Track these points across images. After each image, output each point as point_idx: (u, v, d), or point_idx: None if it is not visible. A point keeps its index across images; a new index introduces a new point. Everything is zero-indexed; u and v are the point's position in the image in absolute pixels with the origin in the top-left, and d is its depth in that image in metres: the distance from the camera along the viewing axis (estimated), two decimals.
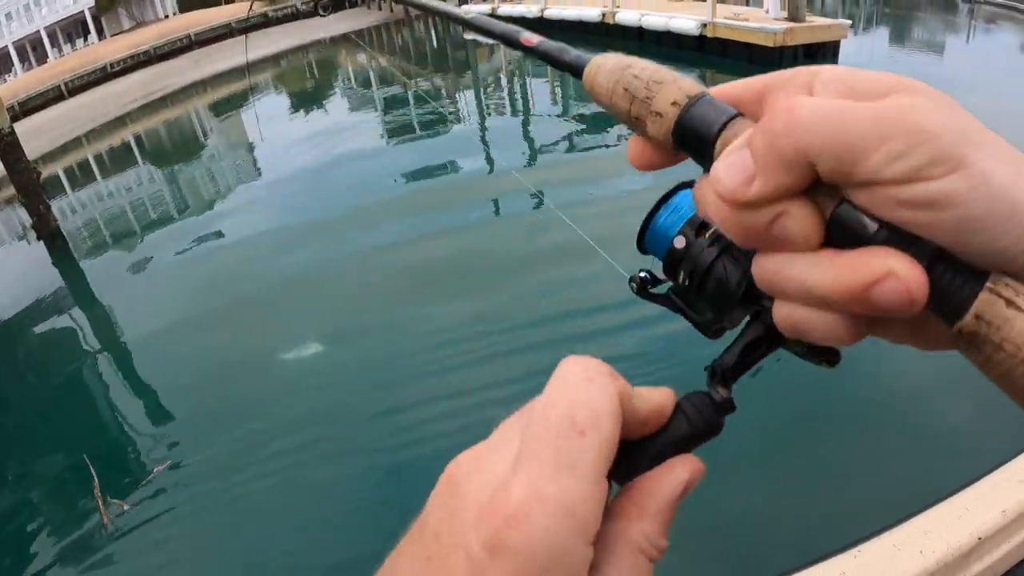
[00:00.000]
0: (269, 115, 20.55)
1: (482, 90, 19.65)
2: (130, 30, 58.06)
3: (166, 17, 60.99)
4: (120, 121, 26.57)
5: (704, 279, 0.50)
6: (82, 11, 59.53)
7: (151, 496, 5.15)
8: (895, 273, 0.34)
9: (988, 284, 0.35)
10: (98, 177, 18.74)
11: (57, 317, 9.06)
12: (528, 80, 19.67)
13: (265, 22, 53.68)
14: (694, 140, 0.43)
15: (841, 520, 3.66)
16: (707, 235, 0.50)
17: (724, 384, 0.47)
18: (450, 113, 16.45)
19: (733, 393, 0.47)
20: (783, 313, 0.40)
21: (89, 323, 8.89)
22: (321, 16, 50.12)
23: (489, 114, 15.63)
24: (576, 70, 0.53)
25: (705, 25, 18.46)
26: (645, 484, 0.42)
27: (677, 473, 0.42)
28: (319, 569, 4.31)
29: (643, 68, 0.47)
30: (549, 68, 18.41)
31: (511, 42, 0.66)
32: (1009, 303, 0.34)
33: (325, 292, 7.68)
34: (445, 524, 0.38)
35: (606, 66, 0.49)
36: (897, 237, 0.36)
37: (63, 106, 36.87)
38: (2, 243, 14.33)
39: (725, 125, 0.42)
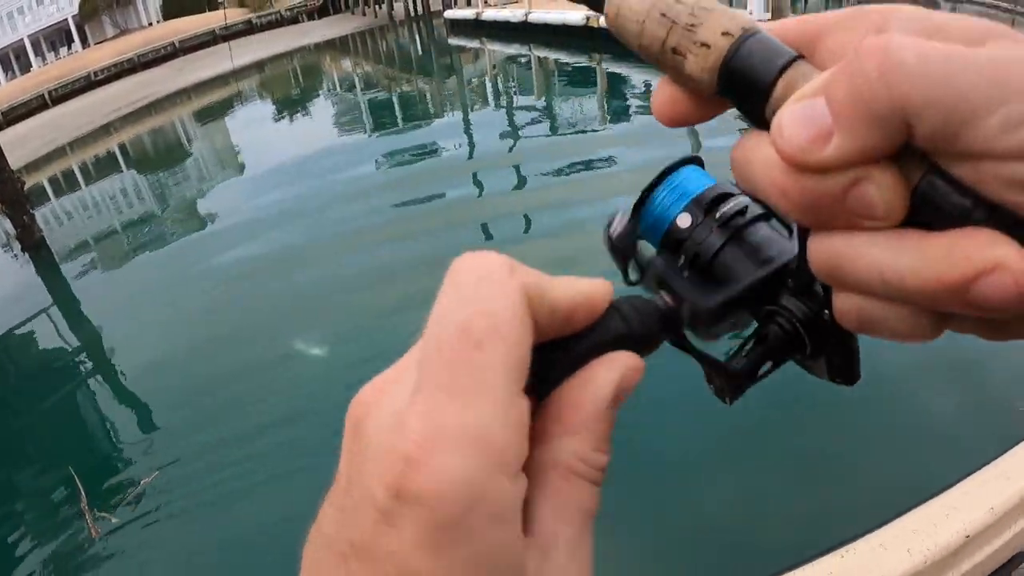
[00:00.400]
0: (254, 121, 20.54)
1: (468, 93, 19.62)
2: (114, 38, 57.88)
3: (150, 25, 60.75)
4: (105, 130, 26.46)
5: (708, 266, 0.43)
6: (65, 19, 59.30)
7: (139, 508, 5.10)
8: (1005, 265, 0.27)
9: None
10: (83, 186, 18.65)
11: (42, 329, 9.02)
12: (513, 83, 19.68)
13: (249, 29, 53.59)
14: (746, 83, 0.35)
15: (827, 521, 3.66)
16: (718, 214, 0.43)
17: (673, 295, 0.41)
18: (436, 116, 16.45)
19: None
20: (847, 305, 0.33)
21: (74, 334, 8.84)
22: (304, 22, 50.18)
23: (472, 126, 15.59)
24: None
25: None
26: (568, 393, 0.35)
27: (602, 374, 0.36)
28: None
29: None
30: (535, 69, 18.52)
31: None
32: None
33: (316, 297, 7.65)
34: (353, 470, 0.33)
35: None
36: (1003, 219, 0.28)
37: (47, 115, 36.73)
38: None
39: (787, 67, 0.34)
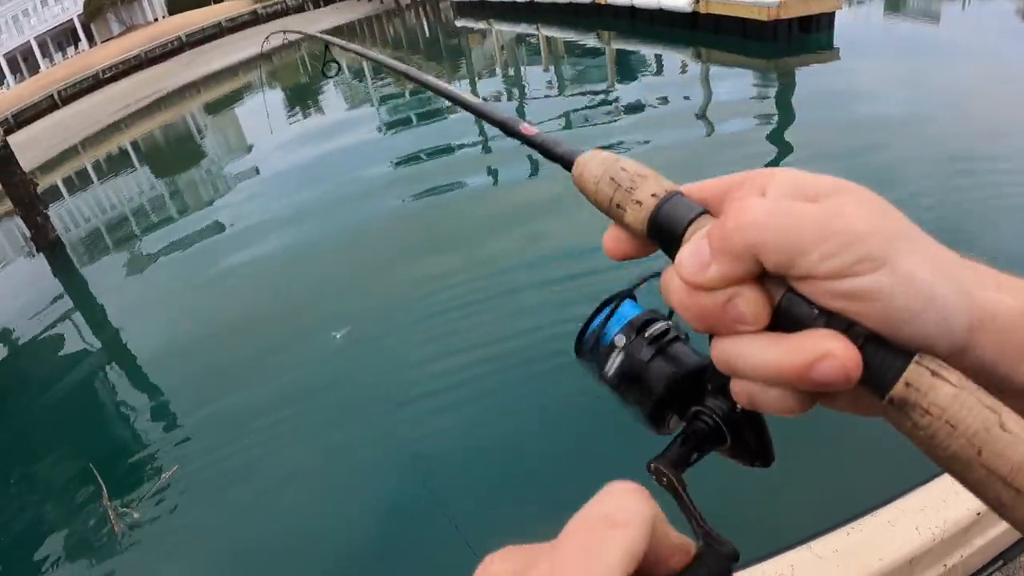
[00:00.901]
0: (264, 112, 20.47)
1: (476, 74, 19.50)
2: (120, 35, 58.00)
3: (155, 20, 60.86)
4: (115, 127, 26.52)
5: (639, 375, 0.57)
6: (71, 19, 59.46)
7: (161, 503, 5.10)
8: (832, 353, 0.40)
9: (915, 359, 0.39)
10: (97, 184, 18.67)
11: (60, 326, 9.01)
12: (522, 65, 19.57)
13: (255, 19, 53.51)
14: (666, 231, 0.49)
15: (834, 498, 3.66)
16: (647, 334, 0.58)
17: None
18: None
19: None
20: (739, 388, 0.46)
21: (93, 331, 8.84)
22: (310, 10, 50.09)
23: (484, 98, 15.47)
24: (567, 161, 0.59)
25: (698, 2, 18.27)
26: None
27: None
28: (334, 573, 4.26)
29: (630, 164, 0.53)
30: (543, 50, 18.42)
31: (510, 131, 0.70)
32: (934, 373, 0.39)
33: (334, 287, 7.59)
34: None
35: (599, 156, 0.55)
36: (835, 322, 0.41)
37: (58, 115, 36.93)
38: (2, 256, 14.24)
39: (693, 220, 0.48)
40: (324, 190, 10.97)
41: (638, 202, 0.50)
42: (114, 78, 43.76)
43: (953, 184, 8.16)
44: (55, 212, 13.61)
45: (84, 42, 59.91)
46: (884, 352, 0.40)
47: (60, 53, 59.65)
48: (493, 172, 10.34)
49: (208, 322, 7.61)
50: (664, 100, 12.62)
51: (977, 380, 0.39)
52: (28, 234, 11.53)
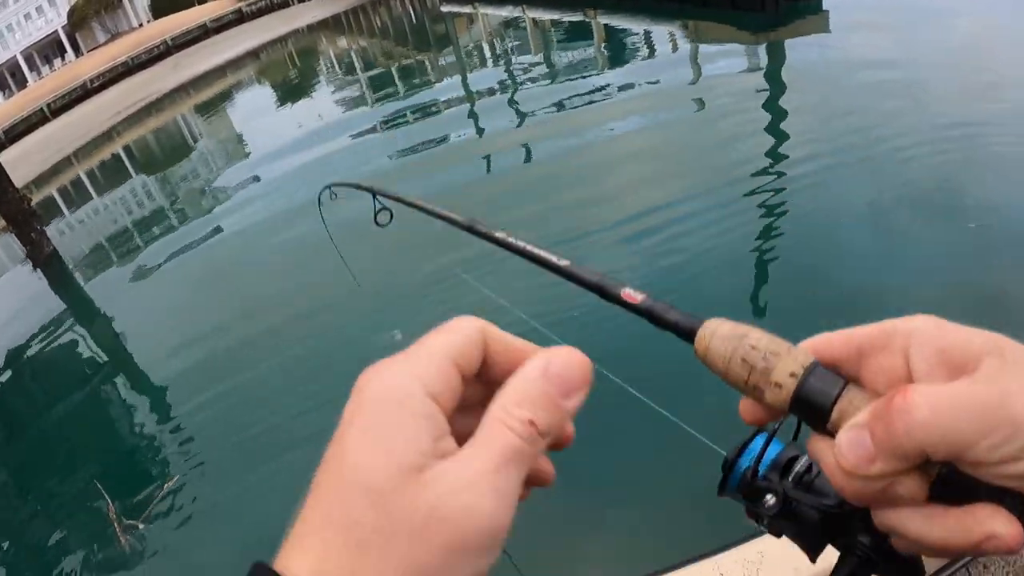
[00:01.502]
0: (256, 111, 20.37)
1: (465, 59, 19.31)
2: (106, 43, 57.76)
3: (140, 26, 60.59)
4: (107, 136, 26.38)
5: (794, 511, 0.60)
6: (56, 30, 59.32)
7: (166, 517, 5.10)
8: (998, 534, 0.42)
9: None
10: (92, 195, 18.59)
11: (60, 341, 8.92)
12: (511, 51, 19.42)
13: (240, 18, 53.25)
14: (811, 409, 0.49)
15: None
16: (794, 472, 0.61)
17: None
18: (437, 86, 16.19)
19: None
20: (900, 544, 0.49)
21: (94, 345, 8.77)
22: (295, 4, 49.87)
23: (475, 91, 15.31)
24: (685, 332, 0.56)
25: None
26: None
27: (533, 358, 0.48)
28: None
29: (758, 339, 0.51)
30: (530, 33, 18.23)
31: (610, 296, 0.65)
32: None
33: (338, 295, 7.44)
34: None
35: (720, 332, 0.52)
36: (994, 493, 0.42)
37: (49, 127, 36.75)
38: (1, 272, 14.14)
39: (839, 396, 0.48)
40: (318, 180, 10.83)
41: (778, 384, 0.49)
42: (103, 87, 43.49)
43: (950, 144, 8.15)
44: (51, 225, 13.50)
45: (70, 52, 59.76)
46: None
47: (47, 65, 59.55)
48: (487, 159, 10.22)
49: (211, 328, 7.50)
50: (655, 80, 12.53)
51: None
52: (24, 251, 11.41)
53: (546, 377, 0.47)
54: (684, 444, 4.47)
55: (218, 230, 10.84)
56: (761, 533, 2.19)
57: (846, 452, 0.45)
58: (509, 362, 0.50)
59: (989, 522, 0.42)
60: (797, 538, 0.62)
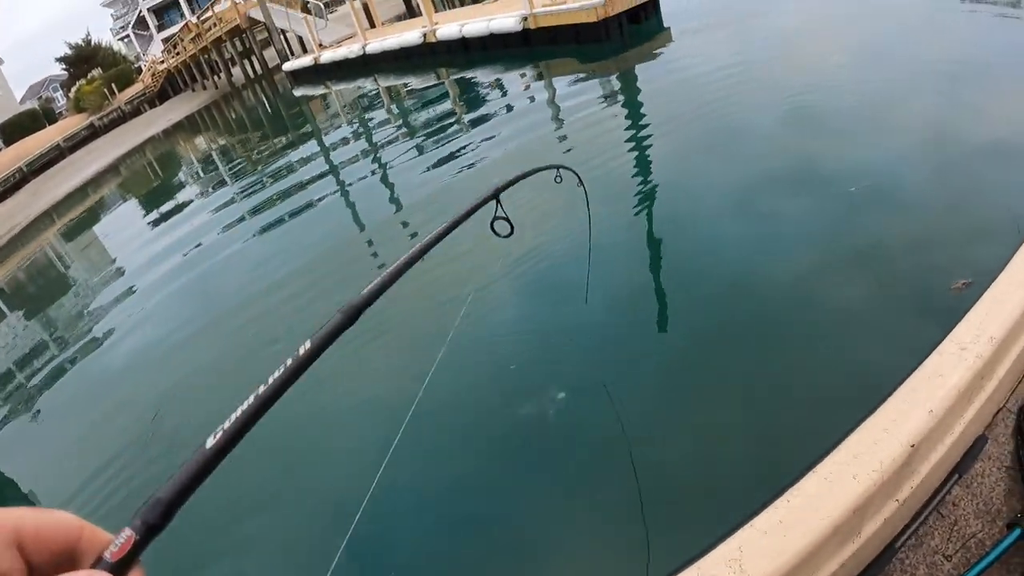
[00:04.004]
0: (123, 226, 20.04)
1: (325, 136, 19.41)
2: None
3: None
4: None
5: None
6: None
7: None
8: None
9: None
10: None
11: None
12: (368, 115, 19.59)
13: (93, 133, 52.34)
14: None
15: (767, 469, 3.70)
16: None
17: None
18: (301, 166, 16.24)
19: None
20: None
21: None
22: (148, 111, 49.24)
23: (340, 164, 15.42)
24: None
25: (526, 18, 18.66)
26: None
27: None
28: None
29: None
30: (385, 100, 18.38)
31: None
32: None
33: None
34: None
35: None
36: None
37: None
38: None
39: None
40: (208, 285, 10.82)
41: None
42: None
43: (807, 118, 8.76)
44: None
45: None
46: None
47: None
48: (361, 223, 10.34)
49: (116, 451, 7.42)
50: (515, 123, 12.94)
51: None
52: None
53: None
54: (646, 452, 4.58)
55: (110, 358, 10.68)
56: (736, 527, 2.32)
57: None
58: (48, 541, 0.54)
59: None
60: None
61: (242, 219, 14.01)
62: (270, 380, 0.89)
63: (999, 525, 2.70)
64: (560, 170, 3.82)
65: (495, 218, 2.59)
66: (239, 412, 0.82)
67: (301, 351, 0.96)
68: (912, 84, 9.58)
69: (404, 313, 7.04)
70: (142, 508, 0.65)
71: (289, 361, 0.95)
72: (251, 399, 0.85)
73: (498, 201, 2.44)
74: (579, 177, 4.45)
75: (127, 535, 0.60)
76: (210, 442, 0.79)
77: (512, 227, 2.48)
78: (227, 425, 0.81)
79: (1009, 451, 3.00)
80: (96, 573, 0.52)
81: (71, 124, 55.55)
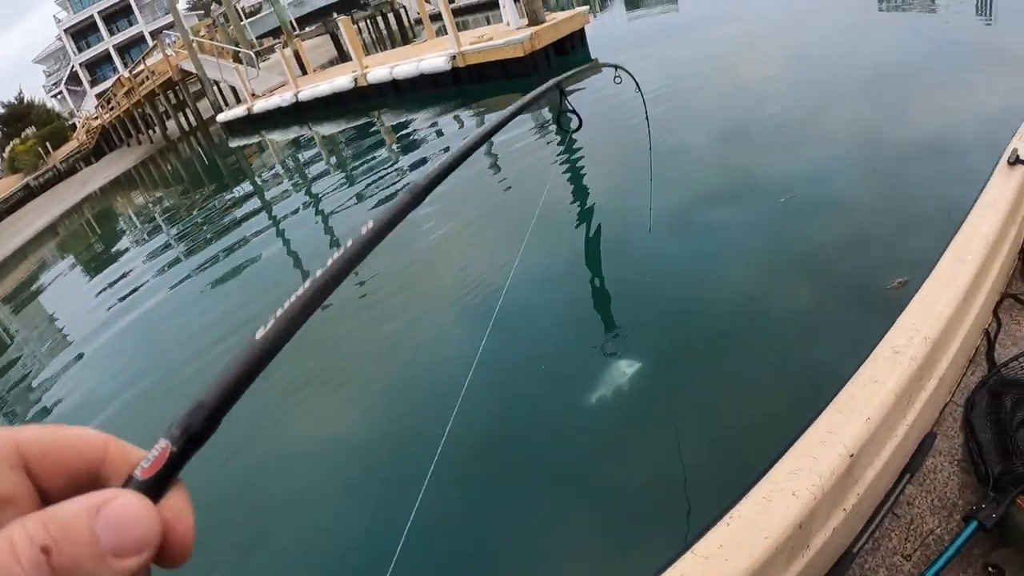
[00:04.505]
0: (65, 289, 19.78)
1: (262, 183, 19.37)
2: None
3: None
4: None
5: None
6: None
7: None
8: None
9: None
10: None
11: None
12: (303, 159, 19.60)
13: (30, 194, 51.59)
14: None
15: (705, 495, 3.68)
16: None
17: None
18: (238, 216, 16.21)
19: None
20: None
21: None
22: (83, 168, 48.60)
23: (276, 212, 15.42)
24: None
25: (454, 57, 18.83)
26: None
27: (85, 498, 0.43)
28: None
29: None
30: (319, 146, 18.44)
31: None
32: None
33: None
34: None
35: None
36: None
37: None
38: None
39: None
40: (156, 345, 10.78)
41: None
42: None
43: (736, 135, 8.96)
44: None
45: None
46: None
47: None
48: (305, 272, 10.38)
49: None
50: (446, 152, 12.98)
51: None
52: None
53: (96, 518, 0.42)
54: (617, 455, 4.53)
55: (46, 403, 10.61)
56: (677, 556, 2.30)
57: None
58: (61, 462, 0.46)
59: None
60: None
61: (184, 275, 13.95)
62: (329, 263, 0.81)
63: (956, 519, 2.72)
64: (618, 70, 3.81)
65: (561, 112, 2.48)
66: (293, 299, 0.72)
67: (363, 231, 0.89)
68: (835, 91, 9.89)
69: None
70: (182, 415, 0.55)
71: (350, 242, 0.87)
72: (307, 285, 0.76)
73: (563, 93, 2.30)
74: (635, 81, 4.47)
75: (162, 446, 0.51)
76: (260, 333, 0.67)
77: (580, 120, 2.35)
78: (279, 313, 0.70)
79: (959, 444, 3.03)
80: (122, 493, 0.44)
81: (6, 185, 54.61)
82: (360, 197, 13.11)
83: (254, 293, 10.72)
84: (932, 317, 2.96)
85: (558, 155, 11.18)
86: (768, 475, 2.39)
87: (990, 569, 2.46)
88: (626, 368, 5.26)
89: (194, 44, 35.44)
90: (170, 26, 49.84)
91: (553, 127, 12.50)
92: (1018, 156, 3.91)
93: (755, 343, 5.16)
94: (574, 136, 10.62)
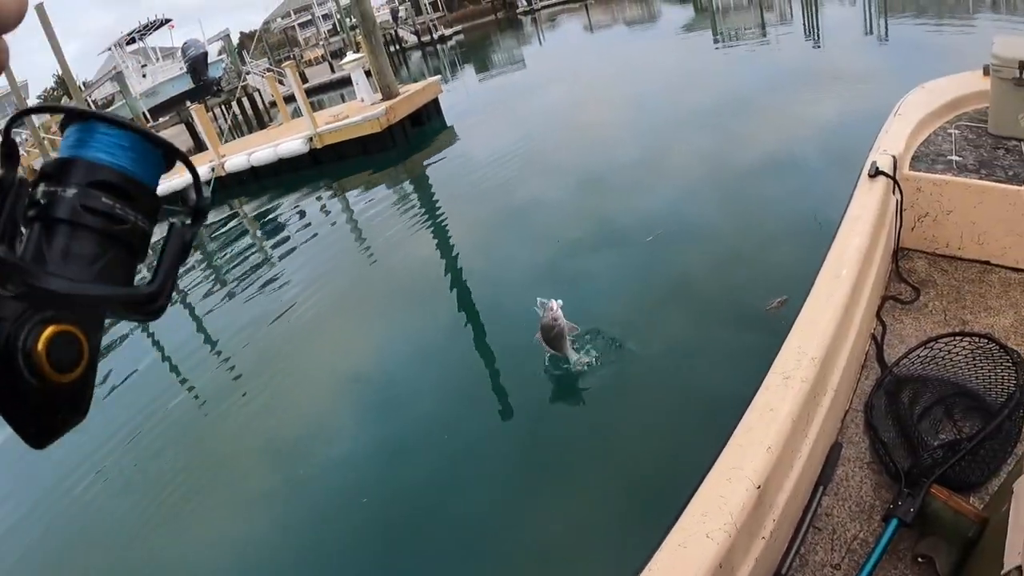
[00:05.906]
0: None
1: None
2: None
3: None
4: None
5: None
6: None
7: None
8: None
9: None
10: None
11: None
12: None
13: None
14: None
15: (618, 548, 3.66)
16: None
17: None
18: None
19: None
20: None
21: None
22: None
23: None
24: None
25: (312, 139, 18.90)
26: None
27: None
28: None
29: None
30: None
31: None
32: None
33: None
34: None
35: None
36: None
37: None
38: None
39: None
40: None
41: None
42: None
43: (592, 181, 9.13)
44: None
45: None
46: None
47: None
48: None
49: None
50: (317, 243, 13.03)
51: None
52: None
53: None
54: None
55: None
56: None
57: None
58: None
59: None
60: None
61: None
62: None
63: (876, 520, 2.75)
64: None
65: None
66: None
67: None
68: (684, 128, 10.42)
69: None
70: None
71: None
72: None
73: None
74: None
75: None
76: None
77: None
78: None
79: (866, 448, 3.10)
80: None
81: None
82: (231, 296, 12.53)
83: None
84: (817, 335, 3.03)
85: (410, 227, 11.16)
86: (679, 522, 2.36)
87: (920, 560, 2.53)
88: (526, 430, 5.23)
89: (45, 142, 34.04)
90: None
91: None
92: (878, 168, 4.11)
93: (650, 386, 5.12)
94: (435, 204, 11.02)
